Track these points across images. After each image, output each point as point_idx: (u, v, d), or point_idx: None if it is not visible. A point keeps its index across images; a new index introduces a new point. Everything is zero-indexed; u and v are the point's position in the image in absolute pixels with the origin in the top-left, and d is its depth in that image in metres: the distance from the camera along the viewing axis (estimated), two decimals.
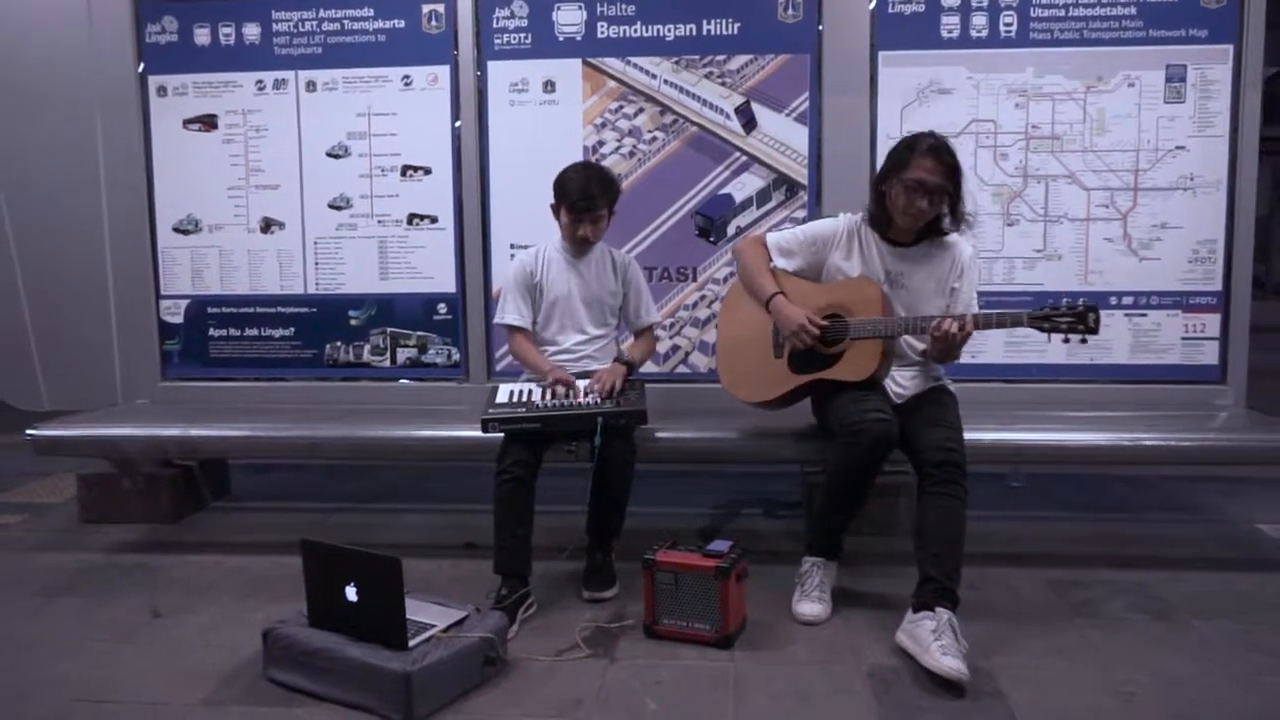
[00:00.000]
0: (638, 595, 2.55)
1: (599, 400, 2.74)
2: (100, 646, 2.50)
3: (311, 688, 2.20)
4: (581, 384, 2.81)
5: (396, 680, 2.08)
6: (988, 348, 3.40)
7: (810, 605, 2.59)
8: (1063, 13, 3.29)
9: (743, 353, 2.85)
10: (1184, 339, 3.36)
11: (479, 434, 2.71)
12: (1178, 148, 3.29)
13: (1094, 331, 2.43)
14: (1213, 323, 3.35)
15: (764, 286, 2.73)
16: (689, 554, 2.48)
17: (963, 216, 2.61)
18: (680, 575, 2.44)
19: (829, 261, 2.72)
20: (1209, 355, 3.36)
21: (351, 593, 2.22)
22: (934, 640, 2.24)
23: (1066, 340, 2.48)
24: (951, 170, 2.53)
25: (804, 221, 3.30)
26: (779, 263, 2.77)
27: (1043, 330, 2.48)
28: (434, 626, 2.24)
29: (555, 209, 2.94)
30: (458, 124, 3.52)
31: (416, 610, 2.30)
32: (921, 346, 2.69)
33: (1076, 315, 2.43)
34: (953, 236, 2.68)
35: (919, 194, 2.52)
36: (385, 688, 2.09)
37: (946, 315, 2.53)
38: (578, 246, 2.95)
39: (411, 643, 2.16)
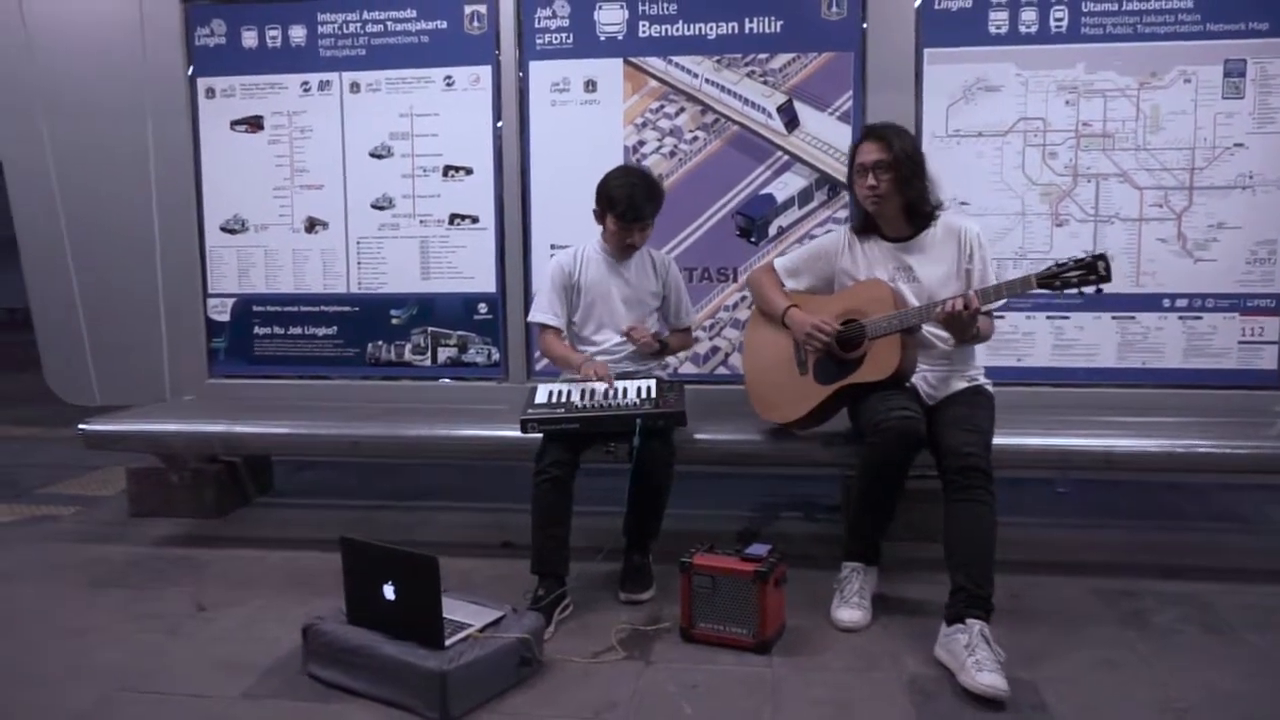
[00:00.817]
0: (674, 598, 2.53)
1: (638, 401, 2.72)
2: (146, 638, 2.55)
3: (349, 684, 2.22)
4: (620, 384, 2.80)
5: (432, 679, 2.08)
6: (1034, 350, 3.33)
7: (849, 612, 2.55)
8: (1116, 6, 3.20)
9: (769, 377, 2.85)
10: (1241, 343, 3.26)
11: (518, 434, 2.71)
12: (1236, 145, 3.19)
13: (1106, 279, 2.37)
14: (1271, 326, 3.24)
15: (777, 303, 2.79)
16: (727, 557, 2.46)
17: (923, 191, 2.63)
18: (718, 579, 2.42)
19: (837, 270, 2.77)
20: (1268, 360, 3.25)
21: (389, 591, 2.23)
22: (968, 656, 2.19)
23: (1081, 294, 2.43)
24: (888, 145, 2.59)
25: (846, 221, 3.27)
26: (789, 284, 2.84)
27: (1054, 289, 2.44)
28: (470, 626, 2.25)
29: (599, 215, 2.93)
30: (499, 124, 3.53)
31: (453, 609, 2.31)
32: (939, 333, 2.66)
33: (1085, 266, 2.38)
34: (955, 219, 2.70)
35: (862, 175, 2.62)
36: (421, 686, 2.10)
37: (953, 296, 2.50)
38: (624, 253, 2.95)
39: (448, 642, 2.17)
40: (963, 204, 3.26)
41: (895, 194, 2.62)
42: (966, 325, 2.52)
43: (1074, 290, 2.41)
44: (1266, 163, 3.19)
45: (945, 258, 2.66)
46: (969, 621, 2.27)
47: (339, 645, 2.25)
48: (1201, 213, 3.23)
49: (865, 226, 2.75)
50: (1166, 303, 3.26)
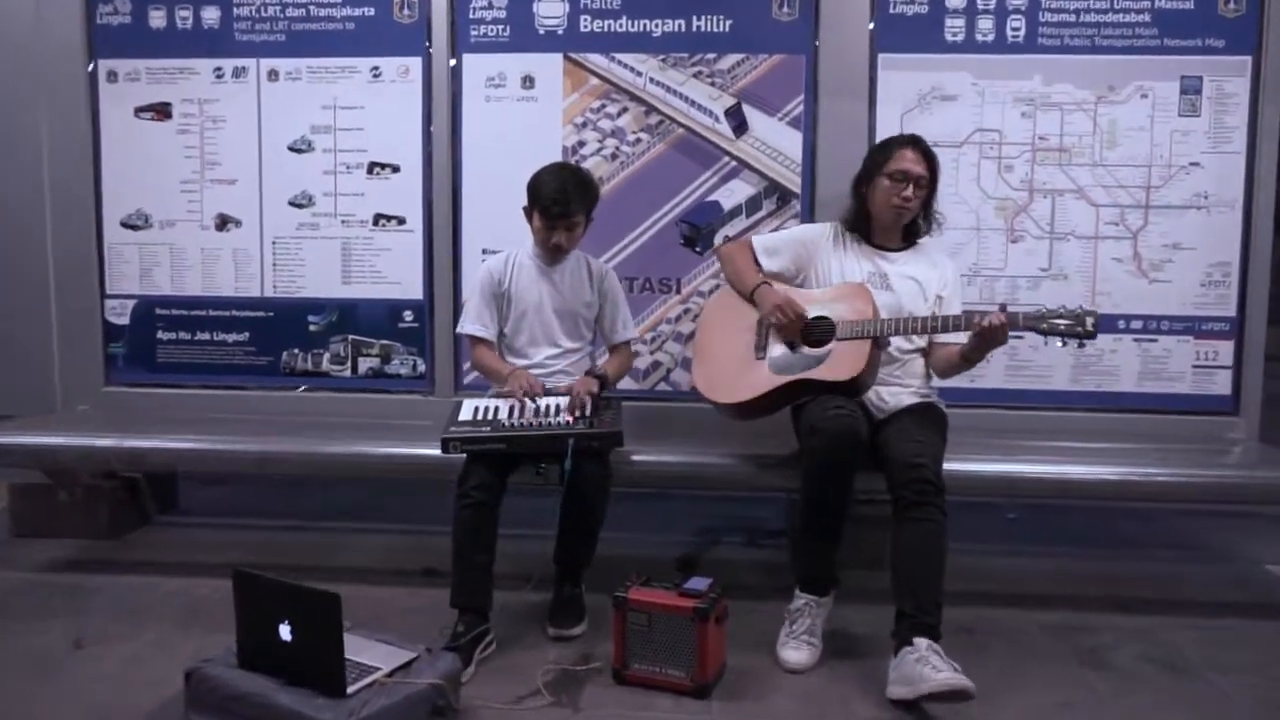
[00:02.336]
0: (607, 632, 2.34)
1: (569, 419, 2.52)
2: (14, 682, 2.27)
3: None
4: (550, 401, 2.59)
5: None
6: (987, 371, 3.20)
7: (795, 652, 2.39)
8: (1073, 18, 3.10)
9: (721, 352, 2.71)
10: (1195, 367, 3.17)
11: (440, 453, 2.49)
12: (1192, 164, 3.11)
13: (1091, 337, 2.36)
14: (1226, 350, 3.16)
15: (749, 278, 2.69)
16: (664, 592, 2.27)
17: (934, 215, 2.70)
18: (654, 616, 2.24)
19: (815, 262, 2.70)
20: (1221, 385, 3.16)
21: (286, 631, 2.00)
22: (922, 667, 2.10)
23: (1064, 344, 2.39)
24: (930, 160, 2.61)
25: None
26: (764, 261, 2.73)
27: (1040, 333, 2.39)
28: (378, 670, 2.02)
29: (528, 212, 2.73)
30: (431, 123, 3.30)
31: (360, 650, 2.08)
32: (909, 347, 2.62)
33: (1073, 317, 2.36)
34: (934, 248, 2.75)
35: (904, 184, 2.57)
36: None
37: (976, 311, 2.48)
38: (550, 254, 2.74)
39: (350, 689, 1.94)
40: None
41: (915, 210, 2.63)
42: (1000, 342, 2.44)
43: (1056, 339, 2.37)
44: (1222, 183, 3.11)
45: (920, 276, 2.65)
46: (916, 641, 2.17)
47: (226, 692, 1.99)
48: (1156, 232, 3.15)
49: (857, 223, 2.70)
50: (1121, 324, 3.17)
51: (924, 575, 2.26)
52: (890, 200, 2.59)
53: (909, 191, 2.57)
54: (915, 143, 2.62)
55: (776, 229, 3.21)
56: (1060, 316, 2.36)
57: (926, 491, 2.29)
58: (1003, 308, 2.43)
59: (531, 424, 2.51)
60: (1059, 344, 2.41)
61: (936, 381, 2.72)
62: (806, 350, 2.56)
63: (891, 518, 2.36)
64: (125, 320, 3.46)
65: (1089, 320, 2.33)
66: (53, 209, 3.40)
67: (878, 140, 2.93)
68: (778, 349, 2.62)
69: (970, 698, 2.05)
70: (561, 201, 2.62)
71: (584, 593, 2.63)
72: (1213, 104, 3.09)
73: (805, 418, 2.44)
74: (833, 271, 2.66)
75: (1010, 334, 2.40)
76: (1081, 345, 2.41)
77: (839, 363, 2.48)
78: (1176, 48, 3.10)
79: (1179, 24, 3.09)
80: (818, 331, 2.55)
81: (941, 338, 2.59)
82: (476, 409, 2.61)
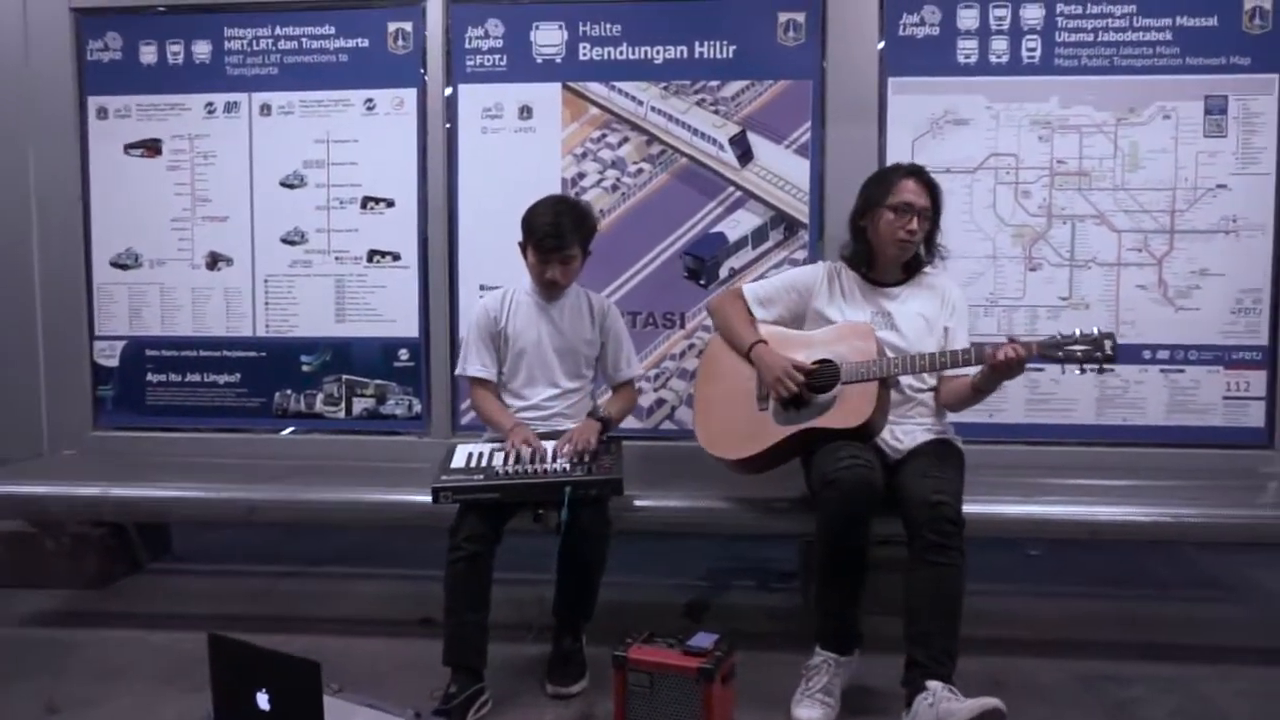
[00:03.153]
0: (610, 688, 2.19)
1: (568, 465, 2.40)
2: None
3: None
4: (549, 445, 2.48)
5: None
6: (1007, 405, 3.07)
7: (809, 710, 2.24)
8: (1091, 38, 2.99)
9: (723, 407, 2.58)
10: (1226, 398, 3.03)
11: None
12: (1219, 186, 2.98)
13: (1111, 360, 2.24)
14: (1258, 381, 3.01)
15: (744, 336, 2.55)
16: (667, 650, 2.13)
17: (937, 247, 2.57)
18: (656, 677, 2.09)
19: (811, 308, 2.58)
20: (1255, 417, 3.02)
21: (263, 700, 1.87)
22: (941, 704, 2.05)
23: (1083, 371, 2.27)
24: (932, 190, 2.49)
25: (803, 263, 3.00)
26: (758, 313, 2.60)
27: (1056, 361, 2.28)
28: None
29: (523, 247, 2.62)
30: (426, 155, 3.21)
31: (344, 716, 1.95)
32: (921, 387, 2.51)
33: (1091, 342, 2.24)
34: (937, 275, 2.61)
35: (902, 215, 2.45)
36: None
37: (991, 343, 2.35)
38: (547, 290, 2.63)
39: None
40: None
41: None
42: (1015, 374, 2.34)
43: (1074, 366, 2.25)
44: (1250, 206, 2.98)
45: (927, 311, 2.52)
46: (930, 684, 2.10)
47: None
48: (1183, 258, 3.02)
49: (859, 260, 2.56)
50: (1147, 354, 3.03)
51: (940, 624, 2.17)
52: (895, 234, 2.46)
53: (914, 224, 2.45)
54: (917, 173, 2.51)
55: (783, 262, 3.10)
56: (1076, 342, 2.24)
57: (947, 532, 2.18)
58: (1011, 339, 2.31)
59: (526, 471, 2.39)
60: (1077, 371, 2.29)
61: (951, 417, 2.59)
62: (812, 398, 2.43)
63: (907, 560, 2.25)
64: (114, 362, 3.37)
65: (1107, 344, 2.22)
66: (41, 248, 3.33)
67: (876, 170, 2.81)
68: (780, 398, 2.48)
69: (1003, 715, 2.01)
70: (555, 235, 2.52)
71: (585, 646, 2.50)
72: (1239, 124, 2.97)
73: (817, 468, 2.31)
74: (832, 317, 2.53)
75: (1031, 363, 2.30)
76: (1102, 372, 2.28)
77: (847, 408, 2.36)
78: (1200, 66, 2.98)
79: (1202, 42, 2.98)
80: (822, 376, 2.42)
81: (951, 371, 2.46)
82: (469, 455, 2.49)
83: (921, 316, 2.51)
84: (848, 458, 2.24)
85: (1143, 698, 2.39)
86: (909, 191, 2.46)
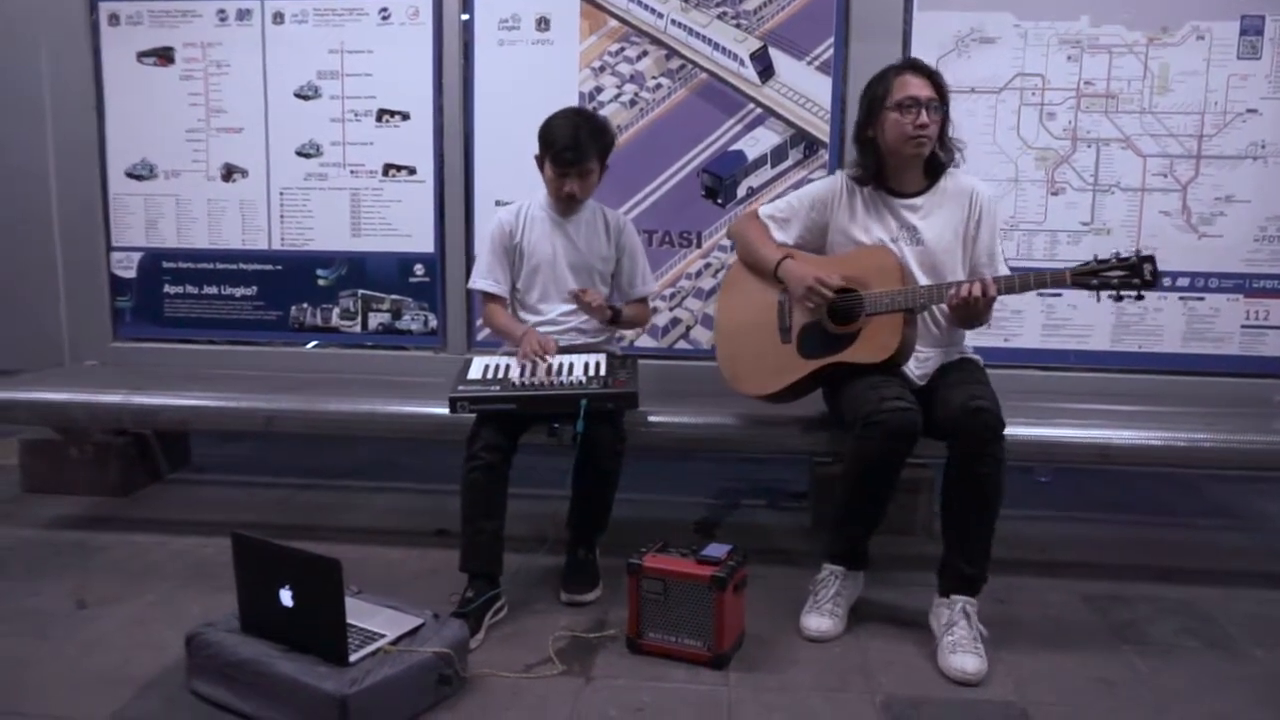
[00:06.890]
0: (622, 598, 2.25)
1: (583, 379, 2.41)
2: (11, 643, 2.21)
3: (237, 705, 1.91)
4: (565, 359, 2.48)
5: (331, 704, 1.78)
6: (1023, 330, 3.06)
7: (818, 620, 2.28)
8: None
9: (745, 340, 2.52)
10: (1244, 327, 3.01)
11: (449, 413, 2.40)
12: (1249, 110, 2.92)
13: (1151, 286, 2.12)
14: (1277, 309, 2.99)
15: (769, 255, 2.46)
16: (681, 559, 2.17)
17: (951, 141, 2.38)
18: (670, 584, 2.14)
19: (833, 225, 2.45)
20: (1272, 346, 3.00)
21: (287, 596, 1.93)
22: (945, 635, 2.15)
23: (1119, 299, 2.17)
24: (935, 80, 2.33)
25: None
26: (776, 235, 2.50)
27: (1090, 289, 2.17)
28: (382, 637, 1.95)
29: (540, 160, 2.59)
30: (442, 67, 3.16)
31: (365, 616, 2.02)
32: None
33: (1129, 267, 2.11)
34: (965, 178, 2.43)
35: (908, 111, 2.28)
36: (318, 712, 1.80)
37: (968, 280, 2.26)
38: (564, 204, 2.61)
39: (354, 657, 1.87)
40: None
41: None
42: (980, 314, 2.26)
43: (1111, 294, 2.15)
44: None
45: (953, 220, 2.38)
46: (953, 597, 2.21)
47: (226, 659, 1.93)
48: (1208, 184, 2.97)
49: (870, 176, 2.40)
50: (1167, 281, 3.00)
51: (976, 528, 2.22)
52: (905, 132, 2.28)
53: (924, 118, 2.27)
54: (914, 65, 2.34)
55: (802, 180, 3.06)
56: (1113, 268, 2.12)
57: (988, 439, 2.15)
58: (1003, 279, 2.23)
59: (543, 383, 2.40)
60: (1110, 298, 2.18)
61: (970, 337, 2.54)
62: (834, 328, 2.36)
63: (947, 468, 2.24)
64: (132, 273, 3.38)
65: (1146, 268, 2.09)
66: (56, 158, 3.32)
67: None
68: (803, 327, 2.43)
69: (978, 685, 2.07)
70: (574, 148, 2.49)
71: (599, 557, 2.54)
72: (1275, 45, 2.89)
73: (854, 403, 2.25)
74: (854, 234, 2.42)
75: (1056, 290, 2.25)
76: (1140, 298, 2.16)
77: (873, 341, 2.30)
78: None
79: None
80: (844, 306, 2.35)
81: None
82: (486, 367, 2.50)
83: (948, 228, 2.38)
84: (893, 398, 2.19)
85: (1148, 617, 2.42)
86: (911, 85, 2.30)
